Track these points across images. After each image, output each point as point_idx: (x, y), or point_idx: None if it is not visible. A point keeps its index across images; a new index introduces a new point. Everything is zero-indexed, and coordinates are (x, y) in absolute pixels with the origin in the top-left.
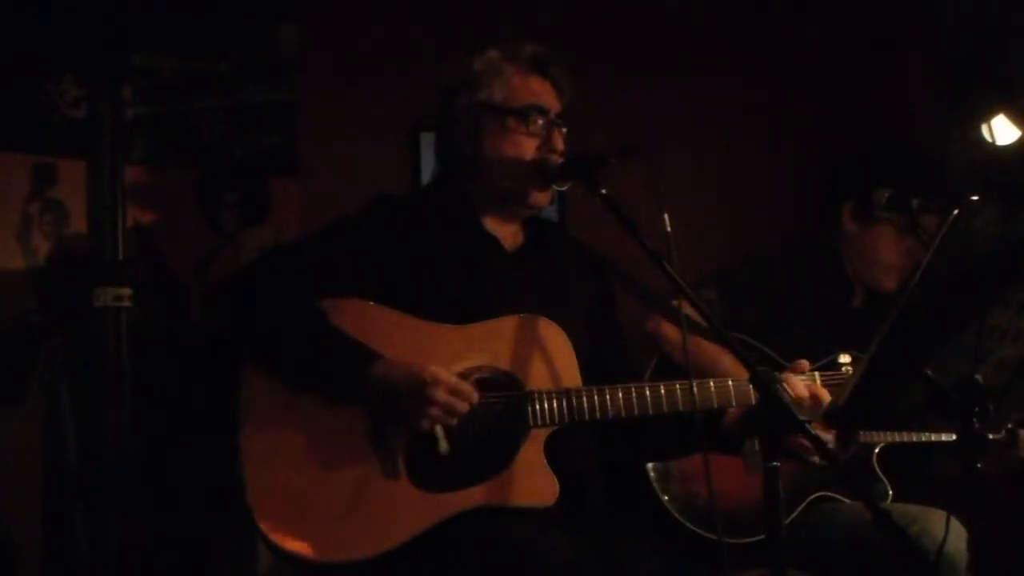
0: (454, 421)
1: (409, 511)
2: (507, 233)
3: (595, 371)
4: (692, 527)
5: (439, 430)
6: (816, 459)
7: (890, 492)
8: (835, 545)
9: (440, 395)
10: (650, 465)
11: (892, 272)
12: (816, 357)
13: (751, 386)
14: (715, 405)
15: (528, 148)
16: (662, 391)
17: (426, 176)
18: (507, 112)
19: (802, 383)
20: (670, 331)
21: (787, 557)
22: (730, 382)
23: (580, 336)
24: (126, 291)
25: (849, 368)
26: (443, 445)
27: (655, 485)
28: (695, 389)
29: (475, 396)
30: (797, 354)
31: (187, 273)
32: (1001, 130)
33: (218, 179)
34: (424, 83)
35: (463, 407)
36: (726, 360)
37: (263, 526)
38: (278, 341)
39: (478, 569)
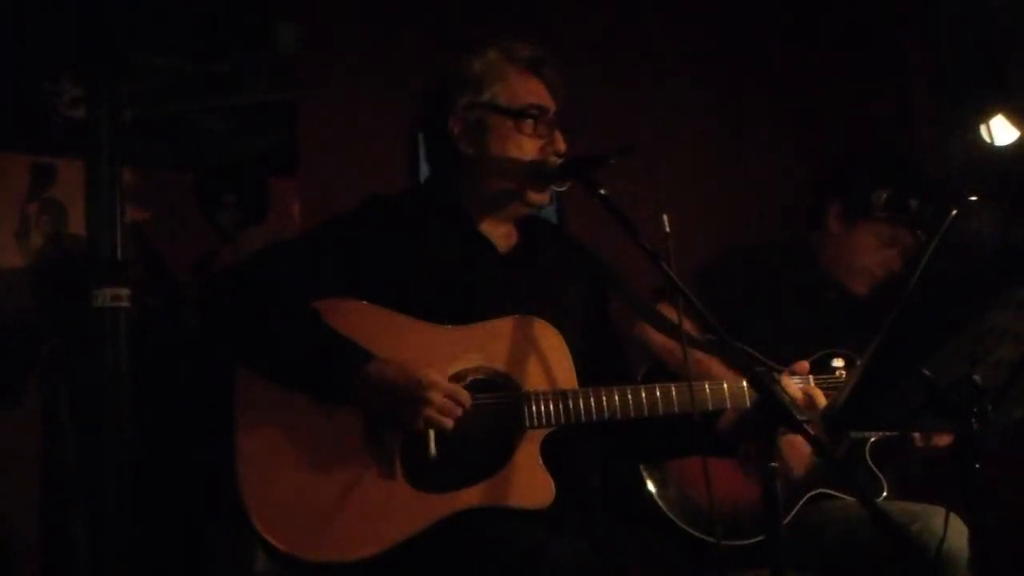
0: (449, 424)
1: (405, 511)
2: (500, 234)
3: (589, 372)
4: (690, 531)
5: (431, 434)
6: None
7: (885, 487)
8: (834, 543)
9: (436, 397)
10: (646, 469)
11: (864, 276)
12: (793, 351)
13: (746, 388)
14: (710, 407)
15: (531, 148)
16: (658, 393)
17: (425, 177)
18: (512, 113)
19: (795, 384)
20: (656, 336)
21: (786, 557)
22: (725, 384)
23: (574, 337)
24: (125, 291)
25: (843, 372)
26: (432, 450)
27: (652, 490)
28: (691, 391)
29: (469, 401)
30: (774, 349)
31: (186, 273)
32: (1000, 130)
33: (217, 179)
34: (424, 83)
35: (457, 411)
36: (715, 367)
37: (259, 528)
38: (268, 338)
39: (475, 570)
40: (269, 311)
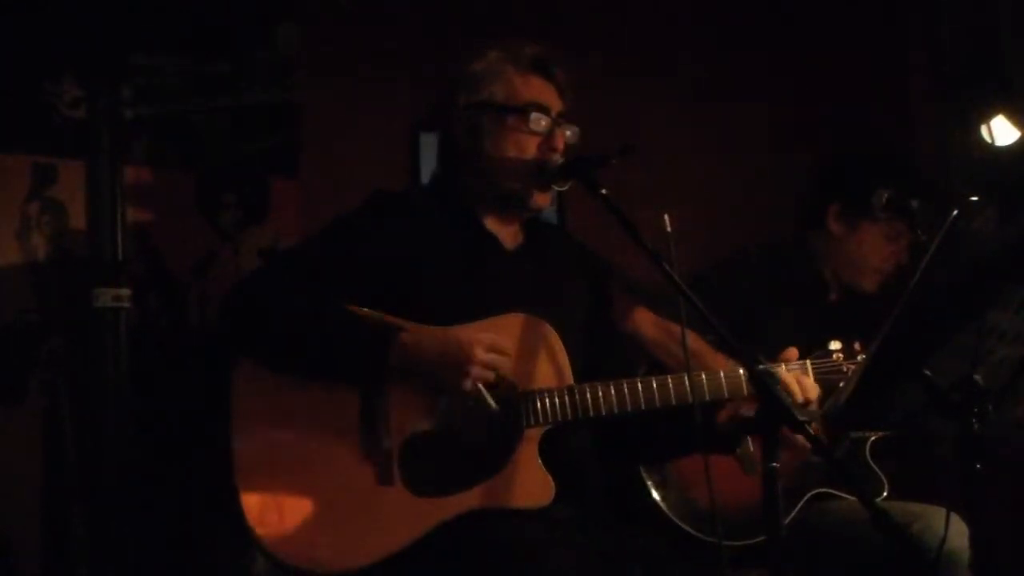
0: (492, 376)
1: (406, 516)
2: (507, 233)
3: (591, 372)
4: (691, 531)
5: (483, 390)
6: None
7: (886, 487)
8: (835, 543)
9: (481, 354)
10: (647, 471)
11: (874, 274)
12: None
13: (742, 376)
14: (707, 398)
15: (529, 147)
16: (654, 385)
17: (426, 176)
18: (508, 111)
19: (790, 373)
20: (649, 330)
21: (786, 557)
22: (722, 374)
23: (576, 336)
24: (125, 291)
25: (840, 355)
26: (491, 403)
27: (653, 491)
28: (687, 382)
29: (511, 350)
30: (777, 351)
31: (186, 273)
32: (1000, 131)
33: (218, 179)
34: (424, 83)
35: (504, 362)
36: (719, 362)
37: (260, 538)
38: (293, 330)
39: (477, 572)
40: (294, 310)
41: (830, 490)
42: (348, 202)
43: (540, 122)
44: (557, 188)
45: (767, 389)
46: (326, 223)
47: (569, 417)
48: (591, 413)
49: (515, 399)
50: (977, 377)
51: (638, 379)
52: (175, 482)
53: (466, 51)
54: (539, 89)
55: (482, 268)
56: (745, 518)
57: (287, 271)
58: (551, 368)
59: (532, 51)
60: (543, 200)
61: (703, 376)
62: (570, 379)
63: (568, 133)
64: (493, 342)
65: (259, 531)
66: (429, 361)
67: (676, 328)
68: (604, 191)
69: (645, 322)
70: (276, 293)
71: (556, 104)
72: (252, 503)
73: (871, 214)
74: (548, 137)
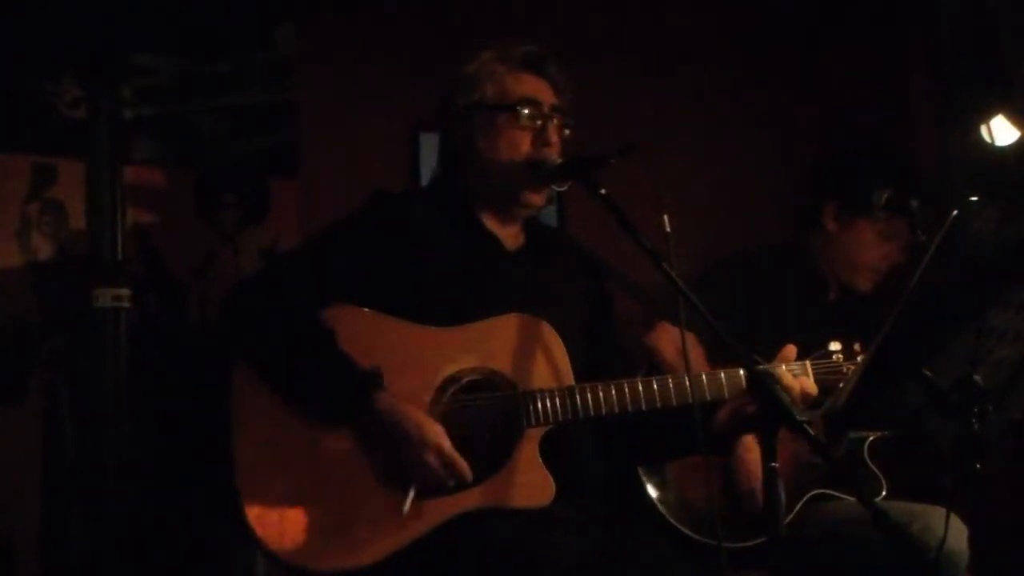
0: (433, 487)
1: (406, 516)
2: (508, 234)
3: (591, 372)
4: (688, 533)
5: (412, 492)
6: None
7: (884, 486)
8: (835, 543)
9: (432, 462)
10: (645, 473)
11: (869, 273)
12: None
13: (743, 377)
14: (708, 398)
15: (522, 142)
16: (654, 385)
17: (426, 176)
18: (499, 109)
19: (789, 373)
20: (667, 348)
21: (786, 557)
22: (722, 374)
23: (577, 338)
24: (125, 292)
25: (840, 356)
26: (406, 506)
27: (652, 493)
28: (687, 382)
29: (468, 476)
30: (777, 352)
31: (186, 273)
32: (1000, 131)
33: (217, 179)
34: (424, 83)
35: (447, 483)
36: None
37: (260, 539)
38: (278, 357)
39: (477, 572)
40: (288, 329)
41: (829, 491)
42: (348, 202)
43: (531, 117)
44: (556, 188)
45: (766, 389)
46: (326, 224)
47: (569, 417)
48: (591, 413)
49: (515, 399)
50: (977, 377)
51: (638, 379)
52: (175, 482)
53: (463, 52)
54: (531, 85)
55: (482, 268)
56: (744, 518)
57: (288, 273)
58: (551, 368)
59: (524, 50)
60: (536, 199)
61: (703, 376)
62: (570, 379)
63: (567, 130)
64: (450, 458)
65: (260, 531)
66: (391, 434)
67: (692, 352)
68: (604, 191)
69: (667, 344)
70: (276, 299)
71: (549, 99)
72: (253, 503)
73: (868, 212)
74: (540, 132)
